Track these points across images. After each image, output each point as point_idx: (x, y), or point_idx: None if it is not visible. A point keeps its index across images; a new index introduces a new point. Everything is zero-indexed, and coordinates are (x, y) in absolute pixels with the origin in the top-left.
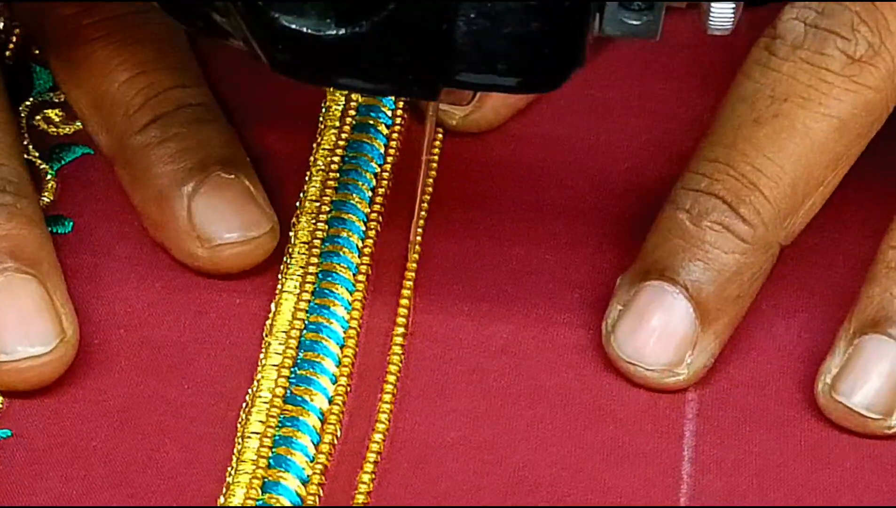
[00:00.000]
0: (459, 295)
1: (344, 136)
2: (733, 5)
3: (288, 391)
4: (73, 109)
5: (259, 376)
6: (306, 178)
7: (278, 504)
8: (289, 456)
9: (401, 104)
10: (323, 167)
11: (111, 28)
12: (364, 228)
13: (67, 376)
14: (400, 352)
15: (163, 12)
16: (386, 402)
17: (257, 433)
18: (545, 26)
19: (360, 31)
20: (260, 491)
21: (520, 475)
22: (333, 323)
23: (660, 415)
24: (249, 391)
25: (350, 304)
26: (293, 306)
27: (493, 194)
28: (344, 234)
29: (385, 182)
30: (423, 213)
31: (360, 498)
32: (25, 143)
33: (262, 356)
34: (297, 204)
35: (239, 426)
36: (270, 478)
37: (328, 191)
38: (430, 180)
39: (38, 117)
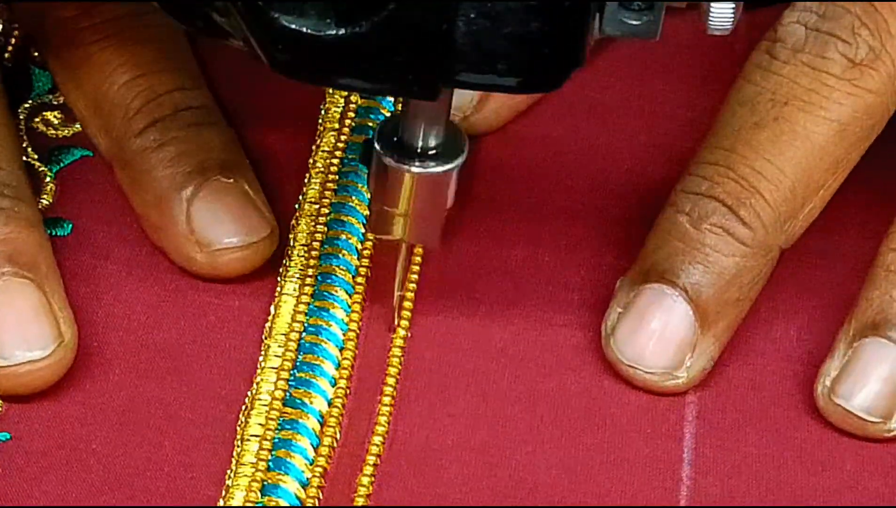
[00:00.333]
0: (458, 298)
1: (343, 138)
2: (733, 5)
3: (287, 394)
4: (73, 112)
5: (258, 378)
6: (305, 180)
7: (278, 507)
8: (288, 459)
9: (399, 106)
10: (322, 169)
11: (111, 30)
12: (363, 230)
13: (66, 378)
14: (399, 355)
15: (163, 12)
16: (385, 405)
17: (257, 436)
18: (545, 26)
19: (360, 31)
20: (259, 494)
21: (518, 477)
22: (333, 326)
23: (659, 418)
24: (249, 393)
25: (349, 306)
26: (292, 309)
27: (493, 196)
28: (343, 236)
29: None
30: None
31: (360, 501)
32: (24, 145)
33: (261, 358)
34: (297, 206)
35: (238, 428)
36: (270, 481)
37: (327, 193)
38: None
39: (37, 119)
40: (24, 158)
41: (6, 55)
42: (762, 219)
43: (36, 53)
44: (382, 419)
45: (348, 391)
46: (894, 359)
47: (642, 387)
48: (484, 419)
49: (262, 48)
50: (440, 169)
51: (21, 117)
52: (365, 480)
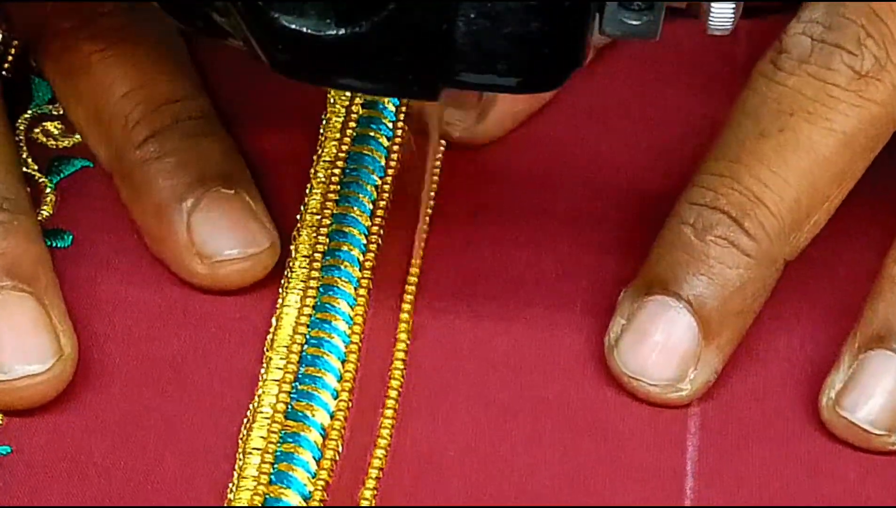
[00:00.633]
0: (460, 308)
1: (345, 147)
2: (733, 5)
3: (289, 407)
4: (72, 125)
5: (260, 391)
6: (307, 190)
7: None
8: (290, 472)
9: (402, 116)
10: (324, 179)
11: (109, 41)
12: (365, 241)
13: (67, 390)
14: (401, 367)
15: (163, 12)
16: (387, 417)
17: (258, 449)
18: (545, 26)
19: (360, 31)
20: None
21: (521, 489)
22: (335, 338)
23: (662, 429)
24: (250, 406)
25: (351, 318)
26: (294, 321)
27: (494, 204)
28: (345, 247)
29: (386, 194)
30: (424, 226)
31: None
32: (25, 156)
33: (262, 370)
34: (298, 217)
35: (240, 441)
36: (272, 494)
37: (329, 204)
38: (432, 193)
39: (37, 130)
40: (25, 169)
41: (6, 65)
42: (767, 230)
43: (34, 63)
44: (385, 432)
45: (350, 404)
46: None
47: (645, 399)
48: (486, 430)
49: (262, 48)
50: None
51: (21, 128)
52: (367, 493)
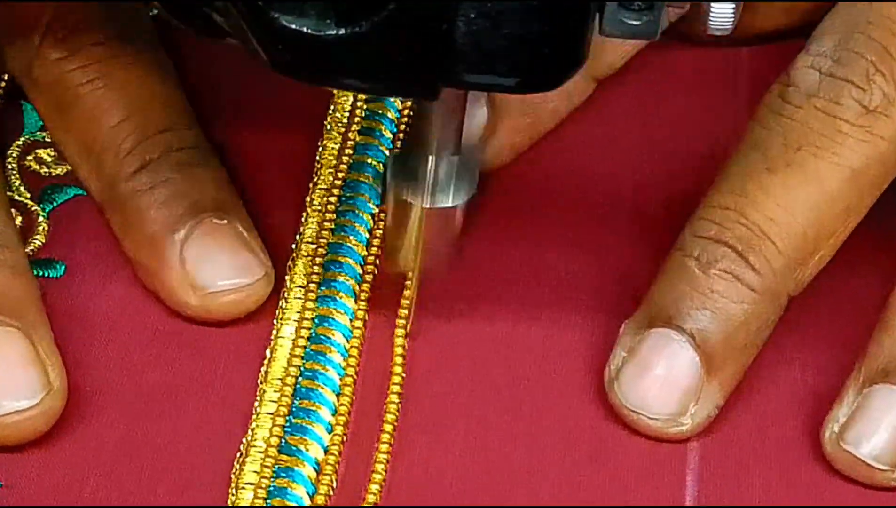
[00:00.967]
0: (457, 339)
1: (340, 175)
2: (733, 5)
3: (283, 441)
4: (63, 155)
5: (253, 424)
6: (303, 218)
7: None
8: None
9: (399, 144)
10: (319, 207)
11: (98, 72)
12: (361, 271)
13: (58, 423)
14: (397, 400)
15: (163, 11)
16: (383, 452)
17: (251, 484)
18: (545, 26)
19: (360, 31)
20: None
21: None
22: (330, 370)
23: (661, 462)
24: (244, 439)
25: (347, 350)
26: (289, 353)
27: (492, 233)
28: (341, 278)
29: (382, 223)
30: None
31: None
32: (17, 184)
33: (256, 403)
34: (294, 246)
35: (233, 476)
36: None
37: (325, 233)
38: None
39: (29, 157)
40: (17, 198)
41: None
42: (772, 265)
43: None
44: (380, 467)
45: (345, 438)
46: None
47: (645, 433)
48: (483, 462)
49: (262, 48)
50: (450, 204)
51: (14, 155)
52: None
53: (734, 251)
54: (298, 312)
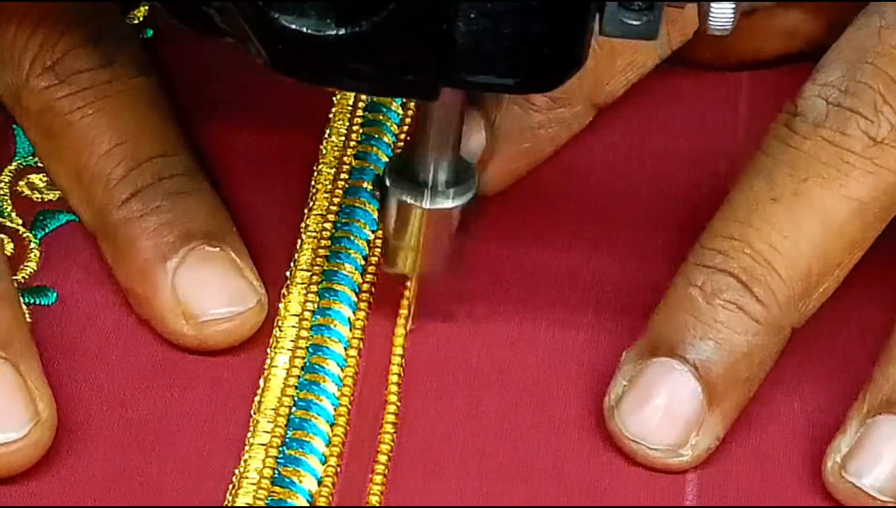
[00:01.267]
0: (452, 369)
1: (336, 200)
2: (733, 5)
3: (276, 472)
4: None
5: (246, 455)
6: (297, 245)
7: None
8: None
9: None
10: (314, 233)
11: (88, 99)
12: (356, 299)
13: (48, 453)
14: (391, 431)
15: (164, 11)
16: (377, 483)
17: None
18: (545, 26)
19: (360, 31)
20: None
21: None
22: (324, 400)
23: (659, 494)
24: (236, 471)
25: (341, 380)
26: (282, 383)
27: (490, 262)
28: (335, 306)
29: (378, 250)
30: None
31: None
32: (9, 210)
33: (249, 434)
34: (288, 273)
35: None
36: None
37: (319, 260)
38: None
39: (21, 183)
40: (9, 224)
41: None
42: (777, 297)
43: None
44: (374, 500)
45: (339, 469)
46: None
47: (644, 463)
48: (478, 495)
49: (262, 48)
50: (450, 205)
51: (5, 181)
52: None
53: (738, 282)
54: (293, 340)
